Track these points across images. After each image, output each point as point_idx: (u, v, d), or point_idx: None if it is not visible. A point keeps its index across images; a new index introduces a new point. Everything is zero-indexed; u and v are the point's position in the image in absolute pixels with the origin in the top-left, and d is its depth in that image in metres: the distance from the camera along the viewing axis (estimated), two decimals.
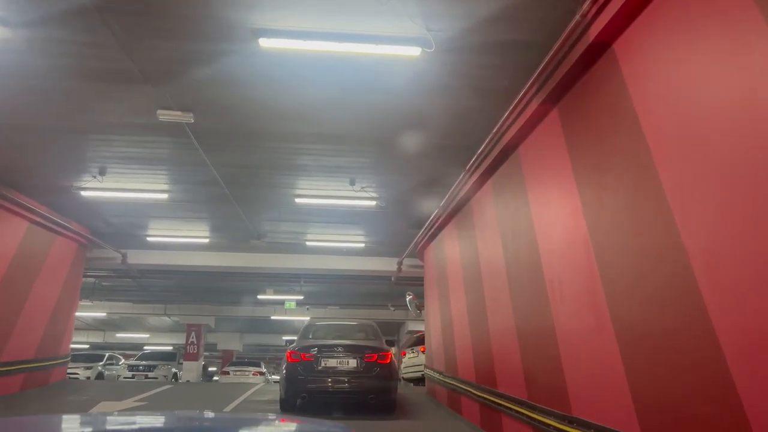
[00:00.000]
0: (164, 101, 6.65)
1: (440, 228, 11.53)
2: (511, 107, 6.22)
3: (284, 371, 8.87)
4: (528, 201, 6.40)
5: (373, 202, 10.15)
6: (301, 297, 19.08)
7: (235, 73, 6.01)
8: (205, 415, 2.60)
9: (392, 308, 21.10)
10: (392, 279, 17.12)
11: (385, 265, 16.12)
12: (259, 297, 18.50)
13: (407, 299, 14.10)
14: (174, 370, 22.65)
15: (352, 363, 8.70)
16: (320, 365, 8.61)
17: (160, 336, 29.82)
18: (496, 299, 7.64)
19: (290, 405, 8.79)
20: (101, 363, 22.92)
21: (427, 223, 11.69)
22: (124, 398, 11.50)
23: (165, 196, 10.25)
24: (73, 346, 31.70)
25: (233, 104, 6.75)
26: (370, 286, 19.41)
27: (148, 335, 29.67)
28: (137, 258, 15.36)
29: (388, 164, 8.84)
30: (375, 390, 8.72)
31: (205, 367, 27.55)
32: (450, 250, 10.89)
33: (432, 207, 10.69)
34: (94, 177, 9.41)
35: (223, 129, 7.53)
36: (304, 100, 6.62)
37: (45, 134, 7.78)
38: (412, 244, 13.74)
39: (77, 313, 23.77)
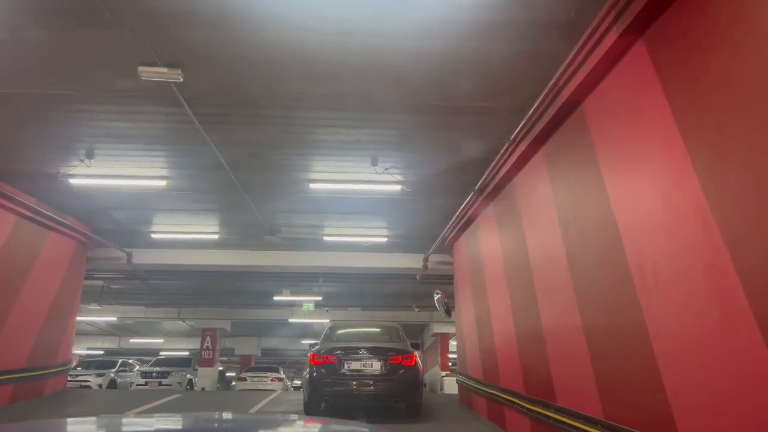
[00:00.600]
0: (146, 55, 5.46)
1: (474, 216, 10.21)
2: (577, 46, 4.91)
3: (307, 374, 8.81)
4: (599, 167, 5.07)
5: (398, 187, 8.86)
6: (320, 298, 17.88)
7: (228, 9, 4.78)
8: (228, 416, 2.46)
9: (417, 309, 19.78)
10: (417, 277, 15.82)
11: (410, 261, 14.83)
12: (276, 299, 17.35)
13: (435, 298, 12.80)
14: (189, 376, 21.62)
15: (376, 365, 8.48)
16: (343, 368, 8.47)
17: (176, 341, 28.89)
18: (552, 295, 6.31)
19: (314, 408, 8.64)
20: (114, 370, 22.09)
21: (458, 212, 10.39)
22: (125, 410, 10.40)
23: (163, 183, 9.09)
24: (87, 352, 31.11)
25: (229, 56, 5.52)
26: (393, 285, 18.13)
27: (162, 340, 28.74)
28: (143, 257, 14.28)
29: (415, 138, 7.55)
30: (400, 393, 8.58)
31: (222, 373, 26.52)
32: (487, 240, 9.57)
33: (464, 192, 9.38)
34: (82, 161, 8.28)
35: (219, 93, 6.31)
36: (316, 47, 5.36)
37: (18, 106, 6.65)
38: (440, 237, 12.44)
39: (88, 318, 23.08)
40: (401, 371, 8.55)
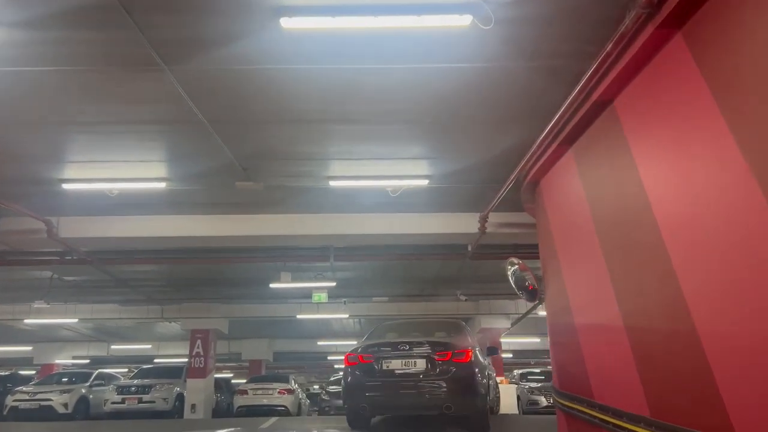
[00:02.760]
0: None
1: (597, 134, 5.51)
2: None
3: (342, 378, 7.77)
4: None
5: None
6: (333, 284, 13.31)
7: None
8: None
9: (463, 298, 15.11)
10: (469, 248, 11.16)
11: (458, 224, 10.22)
12: (274, 286, 12.91)
13: (510, 272, 8.06)
14: (177, 390, 17.29)
15: (420, 364, 7.09)
16: (380, 368, 7.16)
17: (172, 346, 24.62)
18: None
19: (354, 420, 7.63)
20: (86, 384, 17.89)
21: (558, 120, 5.72)
22: None
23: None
24: (73, 361, 27.13)
25: None
26: (431, 266, 13.52)
27: (149, 345, 24.52)
28: (73, 228, 9.88)
29: None
30: (450, 399, 6.93)
31: (228, 383, 22.15)
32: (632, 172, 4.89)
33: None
34: None
35: None
36: None
37: None
38: (512, 179, 7.81)
39: (38, 321, 18.63)
40: (452, 370, 7.06)
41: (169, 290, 15.41)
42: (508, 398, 15.78)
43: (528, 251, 12.19)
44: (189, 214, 10.01)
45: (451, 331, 8.19)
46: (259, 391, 17.35)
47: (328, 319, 19.79)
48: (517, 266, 8.02)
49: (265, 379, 18.35)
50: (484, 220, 9.81)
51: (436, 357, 7.08)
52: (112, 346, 24.52)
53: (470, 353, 7.29)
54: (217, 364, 31.17)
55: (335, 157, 7.66)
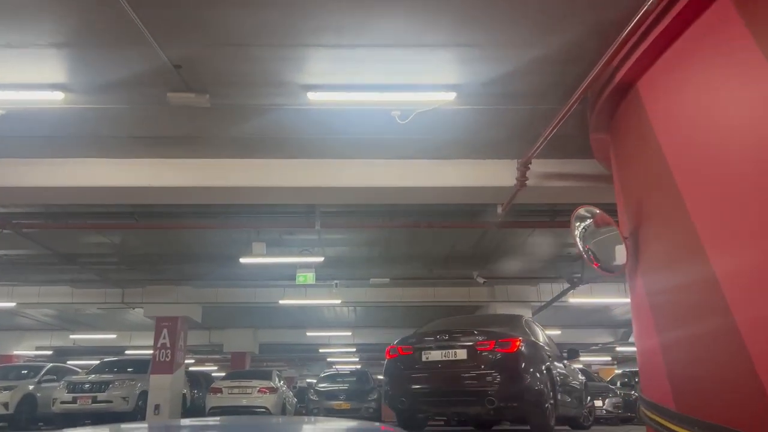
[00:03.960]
0: None
1: None
2: None
3: (384, 372, 7.29)
4: None
5: None
6: (321, 260, 10.57)
7: None
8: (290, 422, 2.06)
9: (481, 280, 12.41)
10: (498, 211, 8.46)
11: (488, 175, 7.55)
12: (243, 261, 10.19)
13: (579, 229, 5.33)
14: (141, 387, 14.68)
15: (461, 354, 6.54)
16: (420, 359, 6.75)
17: (143, 336, 21.84)
18: None
19: (402, 418, 7.14)
20: (34, 380, 15.31)
21: None
22: None
23: None
24: (36, 353, 24.43)
25: None
26: (445, 237, 10.86)
27: (114, 335, 21.81)
28: None
29: None
30: (495, 390, 6.30)
31: (206, 379, 19.49)
32: None
33: None
34: None
35: None
36: None
37: None
38: (587, 83, 5.08)
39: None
40: (495, 361, 6.42)
41: (125, 269, 12.71)
42: None
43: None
44: (119, 157, 7.31)
45: (506, 324, 7.30)
46: (236, 390, 14.72)
47: (319, 306, 17.12)
48: (590, 220, 5.30)
49: (244, 376, 15.68)
50: (524, 168, 7.12)
51: (477, 347, 6.56)
52: (71, 336, 21.78)
53: (517, 343, 6.54)
54: (198, 357, 28.75)
55: (314, 42, 4.91)
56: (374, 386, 16.79)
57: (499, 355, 6.45)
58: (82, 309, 18.15)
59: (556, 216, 9.35)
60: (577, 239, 5.31)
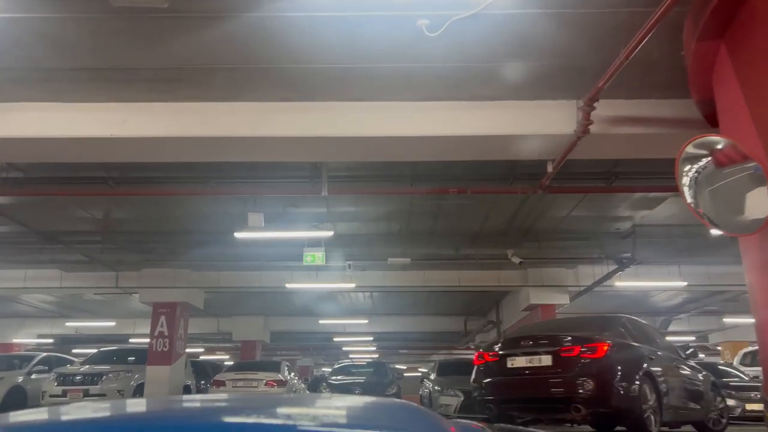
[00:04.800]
0: None
1: None
2: None
3: (472, 378, 7.36)
4: None
5: None
6: (330, 234, 8.93)
7: None
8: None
9: (517, 260, 10.71)
10: (548, 170, 6.80)
11: (538, 120, 5.94)
12: (237, 236, 8.66)
13: (690, 173, 3.75)
14: (138, 378, 13.46)
15: (545, 360, 6.39)
16: (506, 365, 6.69)
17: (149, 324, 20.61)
18: None
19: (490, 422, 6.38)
20: (25, 371, 14.22)
21: None
22: None
23: None
24: (38, 341, 23.30)
25: None
26: (475, 210, 9.28)
27: (114, 323, 20.56)
28: None
29: None
30: (582, 397, 6.02)
31: (214, 369, 18.17)
32: None
33: None
34: None
35: None
36: None
37: None
38: None
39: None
40: (579, 367, 6.13)
41: (112, 249, 11.30)
42: None
43: (636, 175, 7.89)
44: (73, 101, 5.81)
45: (600, 326, 6.94)
46: (240, 383, 13.35)
47: (331, 291, 15.63)
48: (707, 159, 3.66)
49: (250, 367, 14.29)
50: (589, 108, 5.47)
51: (561, 353, 6.40)
52: (67, 323, 20.59)
53: (604, 348, 6.21)
54: (208, 345, 27.52)
55: None
56: (393, 379, 15.32)
57: (584, 361, 6.20)
58: (81, 294, 16.93)
59: (615, 179, 7.68)
60: (685, 190, 3.69)
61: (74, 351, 22.96)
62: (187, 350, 26.90)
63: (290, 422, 1.38)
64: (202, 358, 29.81)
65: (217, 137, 5.94)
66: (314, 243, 9.84)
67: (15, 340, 21.23)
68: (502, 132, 5.90)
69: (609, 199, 9.31)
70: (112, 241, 10.58)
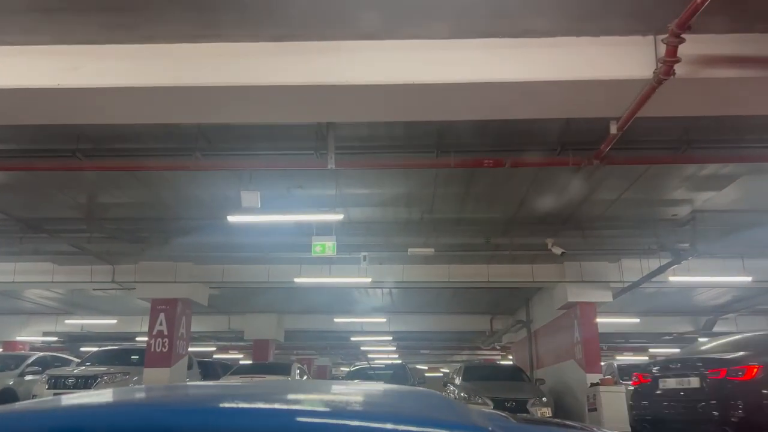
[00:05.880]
0: None
1: None
2: None
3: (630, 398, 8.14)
4: None
5: None
6: (340, 218, 7.48)
7: None
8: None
9: (560, 251, 9.20)
10: (612, 131, 5.39)
11: (606, 62, 4.54)
12: (231, 219, 7.36)
13: None
14: (137, 381, 12.40)
15: (694, 382, 6.40)
16: (658, 386, 6.89)
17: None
18: None
19: None
20: (16, 372, 13.35)
21: None
22: None
23: None
24: (41, 338, 22.33)
25: None
26: (511, 192, 7.93)
27: (114, 321, 19.53)
28: None
29: None
30: (731, 420, 5.97)
31: (224, 370, 17.06)
32: None
33: None
34: None
35: None
36: None
37: None
38: None
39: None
40: (726, 390, 6.09)
41: (100, 238, 10.13)
42: (616, 408, 10.17)
43: (713, 144, 6.46)
44: (7, 43, 4.59)
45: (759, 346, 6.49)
46: None
47: (347, 287, 14.35)
48: None
49: (257, 370, 13.12)
50: (676, 40, 4.07)
51: (708, 375, 6.28)
52: (67, 321, 19.63)
53: (754, 371, 5.91)
54: (221, 344, 26.47)
55: None
56: (414, 383, 14.05)
57: (731, 384, 6.12)
58: (85, 290, 15.92)
59: (688, 146, 6.24)
60: None
61: (82, 349, 22.16)
62: (199, 349, 26.01)
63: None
64: (215, 357, 28.88)
65: (193, 87, 4.67)
66: (323, 230, 8.54)
67: (19, 338, 20.37)
68: (558, 77, 4.53)
69: (667, 179, 7.87)
70: (99, 230, 9.42)
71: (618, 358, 25.32)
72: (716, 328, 19.11)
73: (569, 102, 4.91)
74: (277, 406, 1.34)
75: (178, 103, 4.95)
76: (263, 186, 7.49)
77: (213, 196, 8.23)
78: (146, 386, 2.15)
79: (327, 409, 1.32)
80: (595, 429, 2.16)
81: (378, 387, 1.87)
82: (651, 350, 24.18)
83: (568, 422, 2.41)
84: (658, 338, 22.07)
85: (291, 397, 1.44)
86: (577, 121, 6.03)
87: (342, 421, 1.22)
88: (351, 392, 1.69)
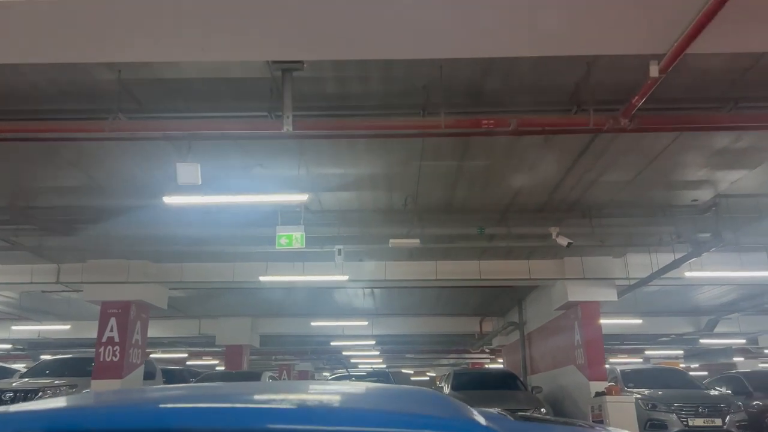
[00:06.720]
0: None
1: None
2: None
3: None
4: None
5: None
6: (304, 198, 6.12)
7: None
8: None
9: (566, 241, 7.90)
10: (652, 73, 4.12)
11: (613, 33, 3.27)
12: (167, 200, 6.01)
13: None
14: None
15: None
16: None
17: None
18: None
19: None
20: None
21: None
22: None
23: None
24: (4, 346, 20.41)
25: None
26: (510, 172, 6.67)
27: (67, 327, 17.96)
28: None
29: None
30: None
31: (192, 378, 15.58)
32: None
33: None
34: None
35: None
36: None
37: None
38: None
39: None
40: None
41: (31, 229, 8.68)
42: (625, 418, 8.96)
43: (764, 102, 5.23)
44: None
45: None
46: None
47: (325, 287, 13.00)
48: None
49: (223, 379, 11.70)
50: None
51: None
52: (13, 327, 18.00)
53: None
54: (193, 350, 24.94)
55: None
56: None
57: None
58: (35, 293, 14.43)
59: (735, 105, 5.00)
60: None
61: (42, 357, 20.55)
62: (170, 356, 24.38)
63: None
64: (188, 364, 27.24)
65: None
66: (290, 219, 7.21)
67: None
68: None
69: (693, 154, 6.66)
70: (25, 219, 7.99)
71: (611, 360, 24.34)
72: (718, 329, 18.09)
73: (598, 35, 3.64)
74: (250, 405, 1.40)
75: (65, 27, 3.61)
76: (214, 164, 6.14)
77: (156, 177, 6.86)
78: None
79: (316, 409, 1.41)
80: (597, 426, 2.08)
81: (377, 386, 1.86)
82: (647, 352, 23.15)
83: (568, 420, 2.25)
84: (655, 340, 21.02)
85: (261, 397, 1.51)
86: (598, 73, 4.78)
87: (342, 421, 1.27)
88: (351, 391, 1.68)
